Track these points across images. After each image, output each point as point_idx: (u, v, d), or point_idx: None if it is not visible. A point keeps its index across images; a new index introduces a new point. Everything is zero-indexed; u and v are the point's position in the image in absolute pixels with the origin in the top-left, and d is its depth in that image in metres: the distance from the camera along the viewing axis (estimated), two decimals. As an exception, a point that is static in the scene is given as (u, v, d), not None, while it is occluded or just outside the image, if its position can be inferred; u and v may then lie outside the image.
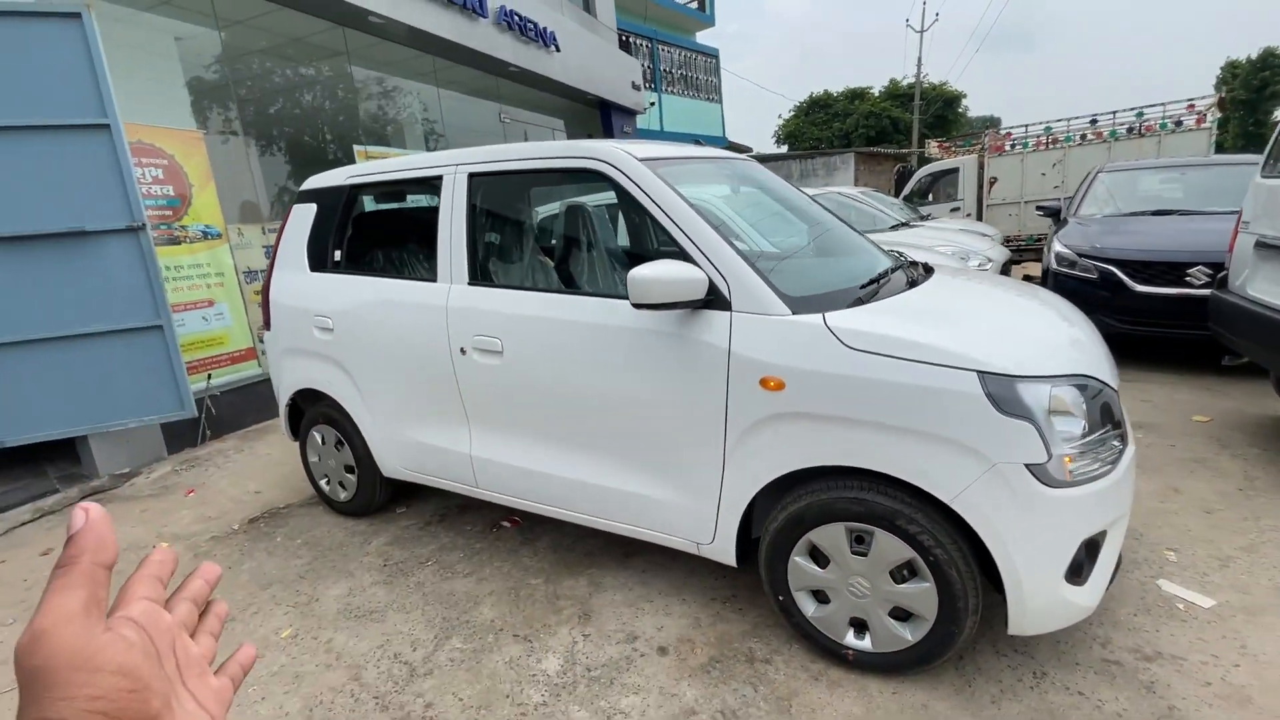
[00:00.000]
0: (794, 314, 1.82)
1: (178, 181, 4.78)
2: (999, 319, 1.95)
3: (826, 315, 1.79)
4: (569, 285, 2.49)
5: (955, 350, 1.62)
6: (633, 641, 2.15)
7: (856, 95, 37.50)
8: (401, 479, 2.94)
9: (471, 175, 2.49)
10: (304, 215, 3.09)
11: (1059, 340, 1.85)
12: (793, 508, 1.88)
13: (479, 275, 2.47)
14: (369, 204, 3.04)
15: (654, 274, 1.79)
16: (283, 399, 3.29)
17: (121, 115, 4.37)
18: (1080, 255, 4.80)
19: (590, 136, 11.51)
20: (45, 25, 3.59)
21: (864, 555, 1.81)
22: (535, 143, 2.31)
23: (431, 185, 2.60)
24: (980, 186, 9.27)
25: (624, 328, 2.05)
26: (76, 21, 3.63)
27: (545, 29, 8.48)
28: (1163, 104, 7.90)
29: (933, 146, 10.72)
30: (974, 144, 9.76)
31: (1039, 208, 6.06)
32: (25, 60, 3.55)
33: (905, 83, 35.78)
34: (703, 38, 19.97)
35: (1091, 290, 4.69)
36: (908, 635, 1.81)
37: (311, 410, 3.21)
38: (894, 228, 6.47)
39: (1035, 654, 1.95)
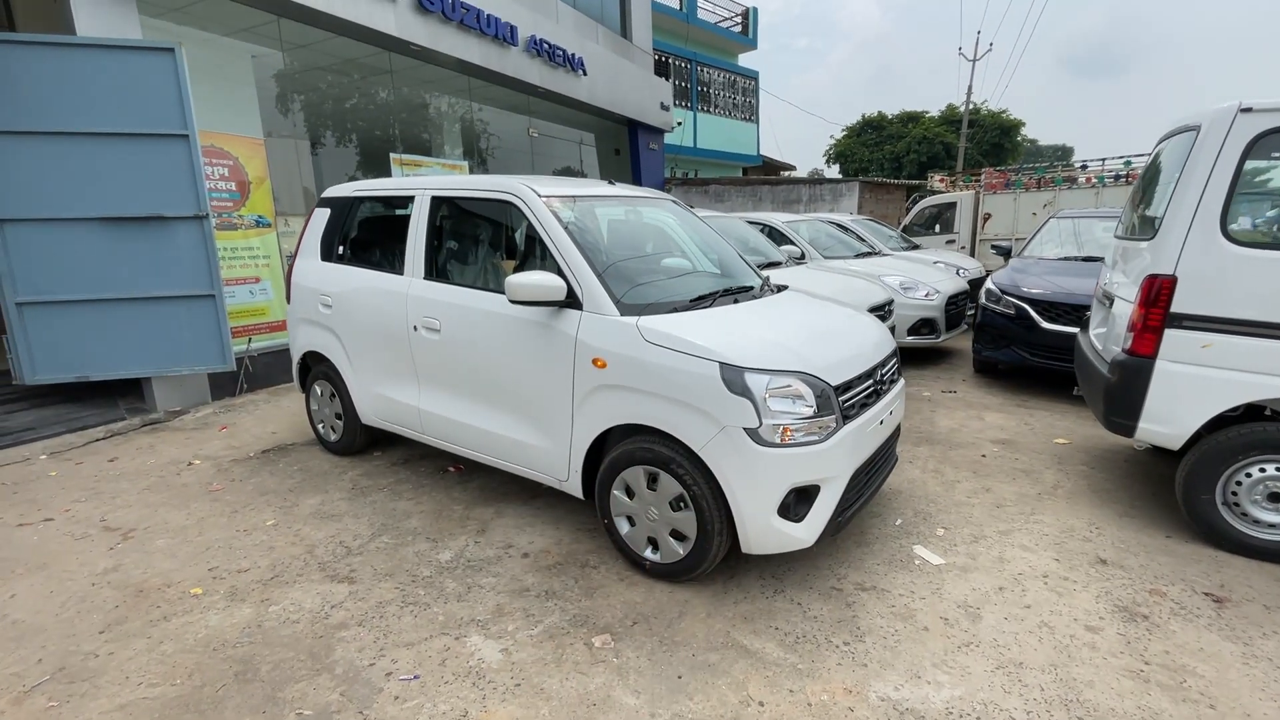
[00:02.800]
0: (621, 316, 2.57)
1: (239, 178, 5.83)
2: (772, 329, 2.65)
3: (641, 318, 2.54)
4: (486, 284, 3.30)
5: (708, 346, 2.35)
6: (507, 549, 2.93)
7: (911, 119, 37.30)
8: (374, 425, 3.80)
9: (433, 197, 3.34)
10: (321, 216, 4.00)
11: (805, 347, 2.53)
12: (612, 454, 2.62)
13: (432, 272, 3.31)
14: (366, 212, 3.93)
15: (523, 280, 2.57)
16: (295, 357, 4.21)
17: (198, 125, 5.45)
18: (1004, 293, 5.33)
19: (618, 151, 12.39)
20: (148, 57, 4.64)
21: (654, 491, 2.54)
22: (476, 175, 3.13)
23: (408, 201, 3.46)
24: (975, 221, 9.67)
25: (513, 317, 2.85)
26: (170, 55, 4.67)
27: (573, 55, 9.38)
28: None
29: (935, 180, 11.10)
30: (972, 180, 10.15)
31: (993, 246, 6.55)
32: (131, 83, 4.61)
33: (962, 108, 35.45)
34: (745, 59, 20.67)
35: (1010, 325, 5.22)
36: (680, 551, 2.53)
37: (315, 368, 4.12)
38: (859, 255, 7.05)
39: (784, 579, 2.63)
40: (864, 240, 7.72)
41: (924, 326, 6.04)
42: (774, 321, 2.76)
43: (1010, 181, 9.02)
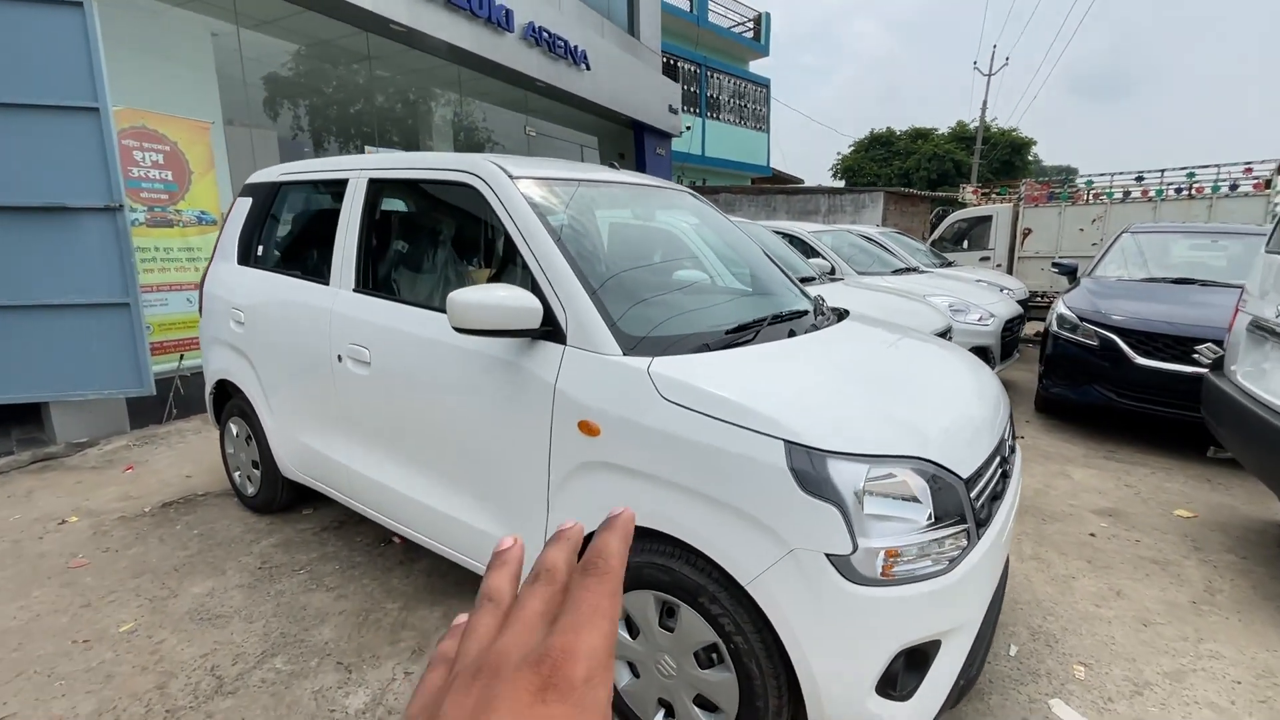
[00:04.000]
0: (624, 354, 1.67)
1: (177, 167, 4.96)
2: (850, 379, 1.75)
3: (656, 360, 1.64)
4: (437, 301, 2.41)
5: (764, 412, 1.44)
6: (451, 687, 2.01)
7: (920, 135, 36.75)
8: (297, 481, 2.89)
9: (371, 181, 2.45)
10: (241, 208, 3.12)
11: (910, 411, 1.63)
12: (608, 566, 1.71)
13: (364, 282, 2.41)
14: (292, 202, 3.04)
15: (476, 298, 1.68)
16: (208, 386, 3.31)
17: (129, 101, 4.58)
18: (1082, 319, 4.43)
19: (622, 155, 11.56)
20: (50, 14, 3.78)
21: (671, 631, 1.62)
22: (428, 153, 2.23)
23: (341, 187, 2.57)
24: (1013, 237, 8.82)
25: (465, 349, 1.95)
26: (78, 11, 3.81)
27: (576, 47, 8.57)
28: (1218, 165, 7.33)
29: (967, 191, 10.28)
30: (1011, 192, 9.31)
31: (1055, 264, 5.68)
32: (28, 43, 3.74)
33: (973, 125, 34.87)
34: (757, 67, 19.97)
35: (1090, 358, 4.33)
36: (710, 728, 1.61)
37: (230, 401, 3.21)
38: (897, 272, 6.17)
39: (870, 768, 1.71)
40: (895, 255, 6.85)
41: (977, 356, 5.13)
42: (849, 367, 1.86)
43: (1053, 194, 8.20)
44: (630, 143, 11.46)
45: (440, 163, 2.21)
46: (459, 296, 1.68)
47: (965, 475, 1.51)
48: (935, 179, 32.25)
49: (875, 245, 6.85)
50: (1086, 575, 2.66)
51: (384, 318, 2.24)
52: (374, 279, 2.47)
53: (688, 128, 13.33)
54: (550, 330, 1.78)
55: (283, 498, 3.11)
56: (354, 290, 2.40)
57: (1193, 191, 7.51)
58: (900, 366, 1.93)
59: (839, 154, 42.35)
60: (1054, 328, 4.62)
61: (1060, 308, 4.66)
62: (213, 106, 5.90)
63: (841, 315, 2.40)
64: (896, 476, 1.41)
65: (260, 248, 2.99)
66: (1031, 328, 7.38)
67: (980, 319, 5.22)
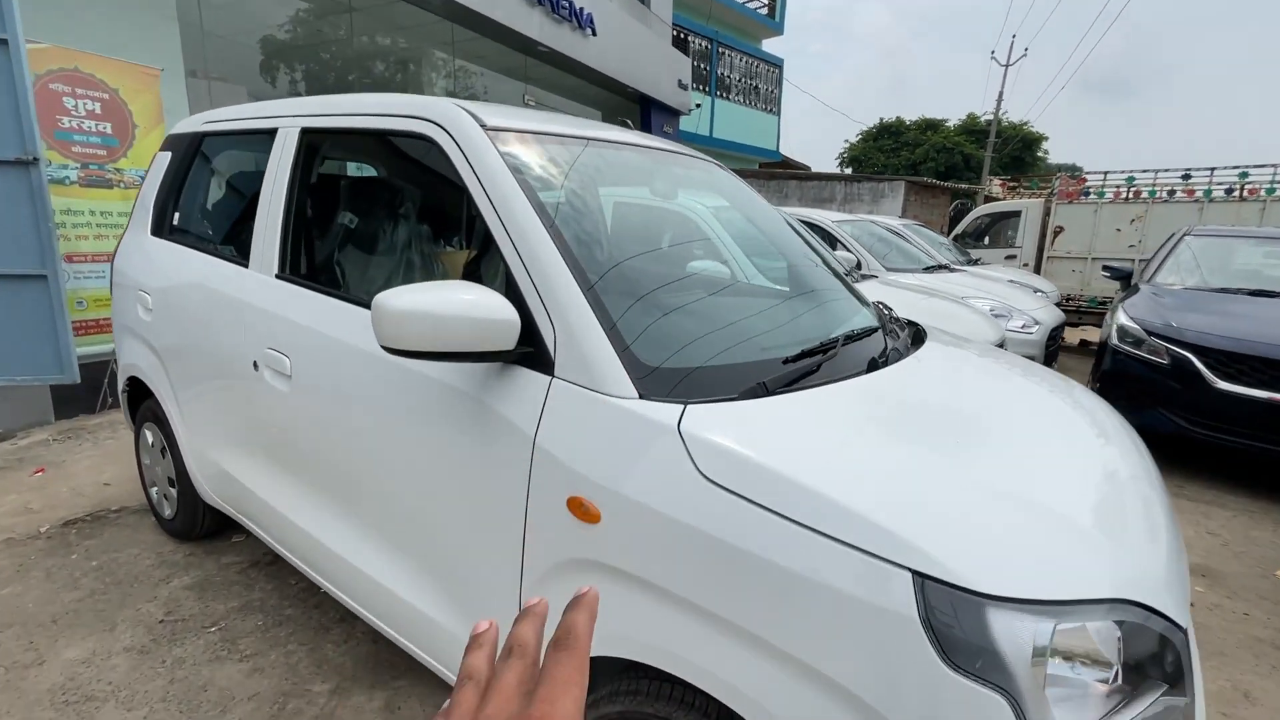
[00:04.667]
0: (641, 397, 1.10)
1: (118, 119, 4.31)
2: (986, 451, 1.17)
3: (690, 410, 1.07)
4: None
5: (878, 520, 0.88)
6: (382, 833, 1.46)
7: (930, 126, 36.06)
8: (219, 509, 2.32)
9: (304, 131, 1.84)
10: (159, 167, 2.51)
11: (1083, 513, 1.06)
12: (607, 709, 1.15)
13: (291, 266, 1.82)
14: (214, 158, 2.43)
15: (413, 304, 1.09)
16: (120, 381, 2.72)
17: (59, 38, 3.93)
18: (1150, 333, 3.88)
19: (628, 122, 10.87)
20: (-57, -83, 3.12)
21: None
22: (371, 95, 1.62)
23: (270, 139, 1.97)
24: (1043, 235, 8.24)
25: (415, 369, 1.37)
26: (-21, -83, 3.15)
27: (581, 10, 7.87)
28: (1274, 165, 6.77)
29: (995, 185, 9.66)
30: (1042, 187, 8.72)
31: (1106, 268, 5.12)
32: (-83, -45, 3.09)
33: (984, 118, 34.14)
34: (770, 45, 19.15)
35: (1159, 379, 3.78)
36: None
37: (144, 403, 2.62)
38: (929, 269, 5.59)
39: None
40: (922, 250, 6.27)
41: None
42: (970, 427, 1.28)
43: (1088, 190, 7.62)
44: (636, 118, 10.76)
45: (389, 106, 1.61)
46: (390, 301, 1.10)
47: (1185, 622, 0.95)
48: (944, 172, 31.61)
49: (900, 239, 6.26)
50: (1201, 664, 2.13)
51: (310, 316, 1.65)
52: (306, 263, 1.88)
53: (697, 105, 12.62)
54: (530, 352, 1.21)
55: (205, 524, 2.55)
56: (277, 276, 1.81)
57: (1244, 193, 6.94)
58: (1036, 425, 1.36)
59: (846, 142, 41.58)
60: (1114, 340, 4.06)
61: (1122, 318, 4.10)
62: (171, 54, 5.21)
63: (918, 334, 1.83)
64: (1089, 631, 0.85)
65: (176, 215, 2.38)
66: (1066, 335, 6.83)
67: (1024, 326, 4.67)
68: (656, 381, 1.13)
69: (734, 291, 1.73)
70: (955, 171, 31.77)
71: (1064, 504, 1.03)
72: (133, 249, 2.50)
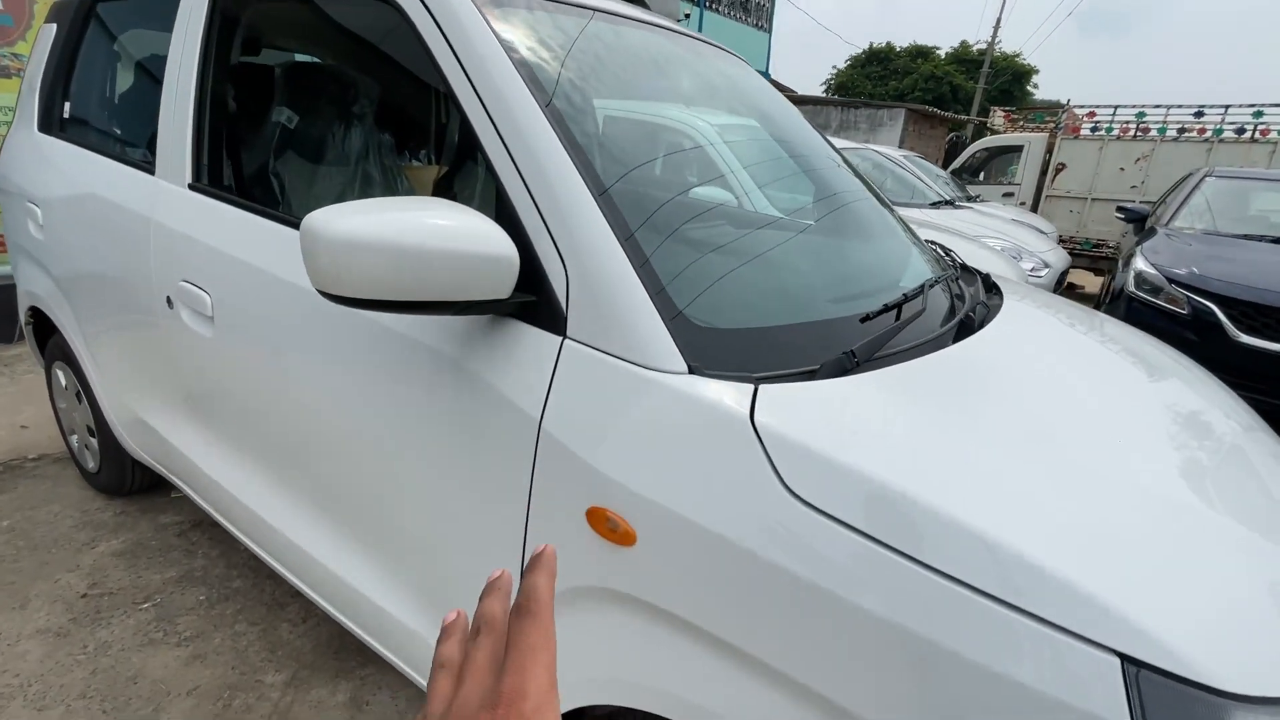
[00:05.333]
0: (692, 371, 0.79)
1: (11, -8, 3.60)
2: (1158, 459, 0.89)
3: (764, 393, 0.76)
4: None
5: (1070, 578, 0.59)
6: None
7: (921, 54, 34.79)
8: (147, 465, 1.98)
9: (218, -9, 1.39)
10: (44, 42, 1.99)
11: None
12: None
13: (207, 174, 1.41)
14: (110, 27, 1.93)
15: (362, 230, 0.74)
16: (21, 311, 2.29)
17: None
18: (1170, 280, 3.66)
19: (610, 43, 10.01)
20: None
21: None
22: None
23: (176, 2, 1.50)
24: (1043, 173, 7.93)
25: (363, 318, 1.02)
26: None
27: (563, -108, 6.93)
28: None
29: (998, 115, 9.21)
30: (1047, 120, 8.32)
31: (1120, 209, 4.86)
32: None
33: (976, 48, 32.98)
34: (764, -46, 17.70)
35: (1176, 330, 3.59)
36: None
37: (51, 339, 2.21)
38: (935, 205, 5.27)
39: None
40: (926, 185, 5.91)
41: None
42: (1114, 423, 0.99)
43: (1096, 125, 7.26)
44: (620, 28, 9.86)
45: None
46: (328, 225, 0.74)
47: None
48: (930, 102, 30.74)
49: (903, 171, 5.88)
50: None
51: (235, 242, 1.27)
52: (230, 172, 1.47)
53: (686, 15, 11.66)
54: (532, 302, 0.87)
55: (136, 479, 2.21)
56: (190, 187, 1.40)
57: (1257, 133, 6.67)
58: (1184, 417, 1.08)
59: (834, 68, 39.98)
60: (1130, 287, 3.85)
61: (1140, 264, 3.87)
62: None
63: (990, 286, 1.52)
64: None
65: (68, 106, 1.90)
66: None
67: (1034, 270, 4.42)
68: (712, 348, 0.82)
69: (766, 225, 1.39)
70: (943, 103, 30.89)
71: (1262, 544, 0.76)
72: (18, 148, 2.02)
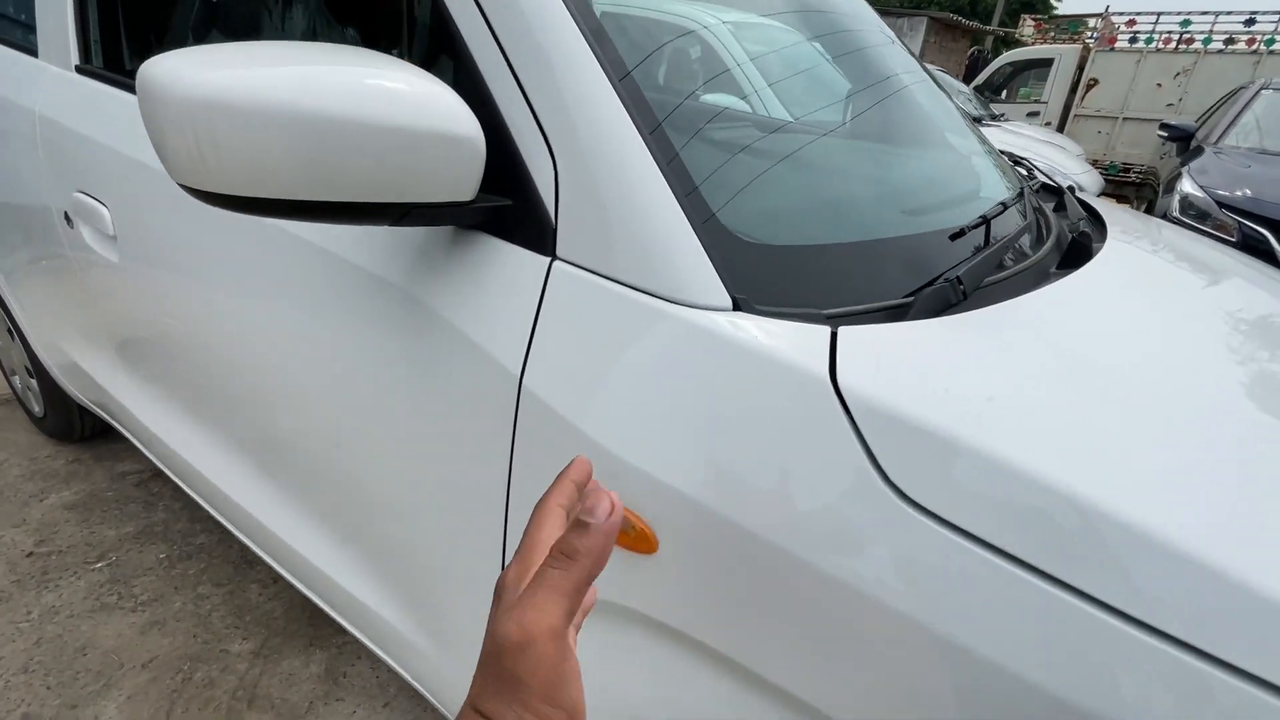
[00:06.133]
0: (737, 308, 0.54)
1: None
2: None
3: (843, 335, 0.51)
4: None
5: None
6: None
7: (939, -40, 32.52)
8: (91, 410, 1.75)
9: None
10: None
11: None
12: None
13: (102, 53, 1.11)
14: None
15: (240, 87, 0.47)
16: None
17: None
18: (1220, 204, 3.36)
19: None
20: None
21: None
22: None
23: None
24: (1072, 90, 7.38)
25: (284, 230, 0.77)
26: None
27: None
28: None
29: (1027, 24, 8.48)
30: (1081, 30, 7.67)
31: (1164, 125, 4.46)
32: None
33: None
34: None
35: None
36: None
37: (-28, 267, 1.94)
38: (962, 122, 4.84)
39: None
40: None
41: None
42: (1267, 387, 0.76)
43: (1136, 34, 6.67)
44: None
45: None
46: (177, 78, 0.47)
47: None
48: (950, 6, 28.93)
49: (927, 85, 5.40)
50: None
51: (135, 138, 0.99)
52: (129, 51, 1.16)
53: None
54: (505, 208, 0.62)
55: (86, 424, 2.00)
56: (78, 70, 1.10)
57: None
58: None
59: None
60: (1174, 212, 3.54)
61: (1187, 185, 3.55)
62: None
63: (1085, 209, 1.25)
64: None
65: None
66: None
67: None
68: (765, 273, 0.57)
69: (815, 111, 1.10)
70: (960, 11, 29.09)
71: None
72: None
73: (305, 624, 1.53)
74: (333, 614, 1.09)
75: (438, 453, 0.72)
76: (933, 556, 0.44)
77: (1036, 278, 0.75)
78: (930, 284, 0.61)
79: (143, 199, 0.99)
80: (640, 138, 0.57)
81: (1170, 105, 6.64)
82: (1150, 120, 6.62)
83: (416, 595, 0.88)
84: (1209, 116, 4.67)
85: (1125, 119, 6.88)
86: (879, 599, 0.45)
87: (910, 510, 0.45)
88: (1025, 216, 0.87)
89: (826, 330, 0.52)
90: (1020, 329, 0.61)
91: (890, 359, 0.51)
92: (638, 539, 0.55)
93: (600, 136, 0.57)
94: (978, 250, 0.72)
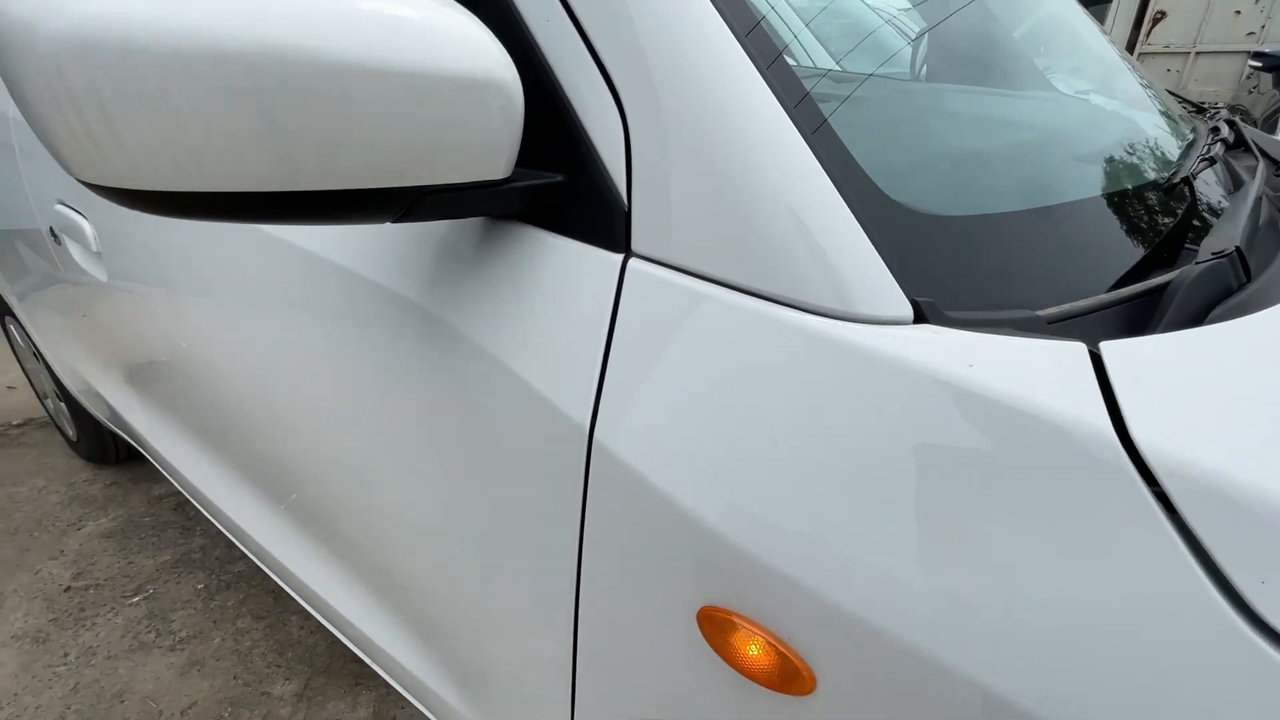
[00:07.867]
0: (919, 320, 0.34)
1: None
2: None
3: (1108, 354, 0.31)
4: None
5: None
6: None
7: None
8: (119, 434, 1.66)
9: None
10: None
11: None
12: None
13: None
14: None
15: (114, 15, 0.29)
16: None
17: None
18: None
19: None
20: None
21: None
22: None
23: None
24: (1136, 25, 6.75)
25: (279, 239, 0.60)
26: None
27: None
28: None
29: (1084, -41, 7.82)
30: (1146, -42, 7.02)
31: (1257, 54, 3.99)
32: None
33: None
34: None
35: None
36: None
37: (-6, 289, 1.87)
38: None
39: None
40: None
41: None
42: None
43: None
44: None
45: None
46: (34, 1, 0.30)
47: None
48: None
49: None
50: None
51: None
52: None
53: None
54: (555, 185, 0.43)
55: (119, 447, 1.93)
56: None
57: None
58: None
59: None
60: None
61: (1294, 121, 3.14)
62: None
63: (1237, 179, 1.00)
64: None
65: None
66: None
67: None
68: (952, 260, 0.37)
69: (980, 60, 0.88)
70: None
71: None
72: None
73: (350, 660, 1.41)
74: (377, 669, 0.96)
75: (480, 524, 0.55)
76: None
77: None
78: (1196, 262, 0.40)
79: (122, 210, 0.85)
80: (760, 74, 0.38)
81: (1251, 34, 6.00)
82: (1228, 53, 6.02)
83: (470, 675, 0.72)
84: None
85: (1199, 53, 6.26)
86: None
87: (1269, 648, 0.26)
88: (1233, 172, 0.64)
89: (1083, 350, 0.32)
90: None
91: (1182, 393, 0.31)
92: (783, 674, 0.37)
93: (696, 77, 0.38)
94: (1222, 216, 0.50)
